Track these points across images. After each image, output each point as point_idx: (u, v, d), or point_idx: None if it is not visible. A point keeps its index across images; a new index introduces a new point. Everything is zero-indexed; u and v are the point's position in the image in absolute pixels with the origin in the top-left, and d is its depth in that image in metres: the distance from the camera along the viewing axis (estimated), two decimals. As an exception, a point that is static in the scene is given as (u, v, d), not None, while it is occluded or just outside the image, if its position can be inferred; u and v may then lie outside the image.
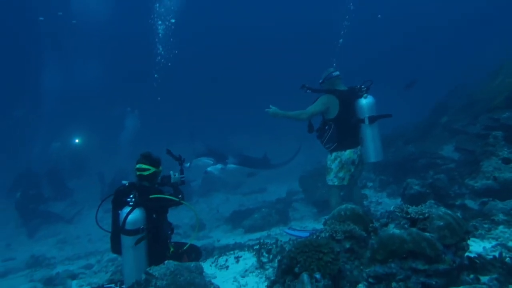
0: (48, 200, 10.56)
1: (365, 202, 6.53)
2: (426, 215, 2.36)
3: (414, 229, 2.23)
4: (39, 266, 6.59)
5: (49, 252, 7.65)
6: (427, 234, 2.18)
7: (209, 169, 9.24)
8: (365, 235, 2.73)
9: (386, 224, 2.71)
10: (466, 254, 2.39)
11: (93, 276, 5.41)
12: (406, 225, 2.54)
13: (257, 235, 6.46)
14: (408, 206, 2.53)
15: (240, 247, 4.85)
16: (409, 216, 2.43)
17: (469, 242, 2.44)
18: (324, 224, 2.96)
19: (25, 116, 22.75)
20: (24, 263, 6.88)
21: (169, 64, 18.44)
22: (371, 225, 2.81)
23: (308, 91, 4.84)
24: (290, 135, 17.86)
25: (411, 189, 4.81)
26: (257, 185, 11.58)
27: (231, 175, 9.75)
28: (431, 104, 10.88)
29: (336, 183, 4.86)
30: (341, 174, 4.83)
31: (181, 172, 4.06)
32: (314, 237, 3.38)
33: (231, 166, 9.24)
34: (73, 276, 5.45)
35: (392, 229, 2.36)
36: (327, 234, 2.82)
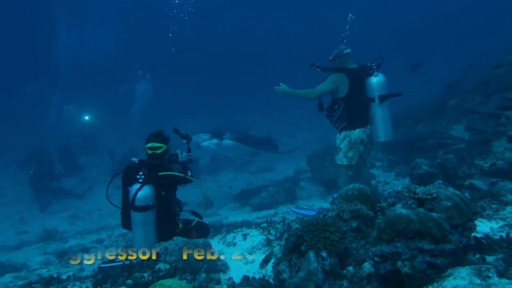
0: (59, 176, 10.76)
1: (373, 182, 6.52)
2: (434, 195, 2.35)
3: (421, 209, 2.22)
4: (52, 240, 6.79)
5: (61, 226, 7.86)
6: (434, 214, 2.18)
7: (204, 143, 9.24)
8: (372, 214, 2.73)
9: (393, 204, 2.72)
10: (473, 234, 2.39)
11: (104, 250, 5.57)
12: (413, 205, 2.54)
13: (264, 213, 6.53)
14: (416, 186, 2.52)
15: (248, 224, 4.92)
16: (416, 196, 2.42)
17: (476, 222, 2.43)
18: (331, 203, 2.97)
19: (37, 91, 22.80)
20: (38, 237, 7.09)
21: (186, 18, 18.18)
22: (378, 204, 2.82)
23: (318, 69, 4.77)
24: (299, 114, 17.78)
25: (420, 169, 4.78)
26: (265, 164, 11.63)
27: (227, 151, 9.73)
28: (443, 83, 10.65)
29: (345, 163, 4.85)
30: (350, 154, 4.81)
31: (189, 150, 4.09)
32: (321, 216, 3.41)
33: (226, 141, 9.20)
34: (85, 250, 5.63)
35: (399, 209, 2.36)
36: (334, 213, 2.84)
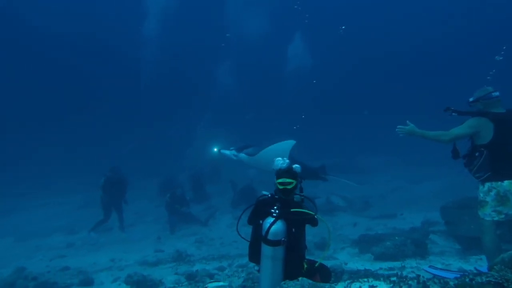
0: (189, 202, 11.91)
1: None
2: None
3: None
4: (182, 261, 7.42)
5: (189, 249, 8.55)
6: None
7: (225, 151, 9.40)
8: (549, 291, 2.24)
9: None
10: None
11: (226, 279, 5.83)
12: None
13: (389, 264, 6.01)
14: None
15: (374, 275, 4.58)
16: None
17: None
18: (490, 269, 2.56)
19: (179, 132, 24.39)
20: (170, 256, 7.84)
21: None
22: (558, 279, 2.31)
23: (453, 114, 4.36)
24: (427, 159, 16.28)
25: None
26: (386, 209, 10.97)
27: (244, 164, 9.41)
28: None
29: (495, 218, 4.19)
30: (505, 209, 4.13)
31: (301, 190, 4.02)
32: (467, 280, 2.96)
33: (241, 155, 9.00)
34: (211, 276, 5.98)
35: None
36: (493, 280, 2.43)
